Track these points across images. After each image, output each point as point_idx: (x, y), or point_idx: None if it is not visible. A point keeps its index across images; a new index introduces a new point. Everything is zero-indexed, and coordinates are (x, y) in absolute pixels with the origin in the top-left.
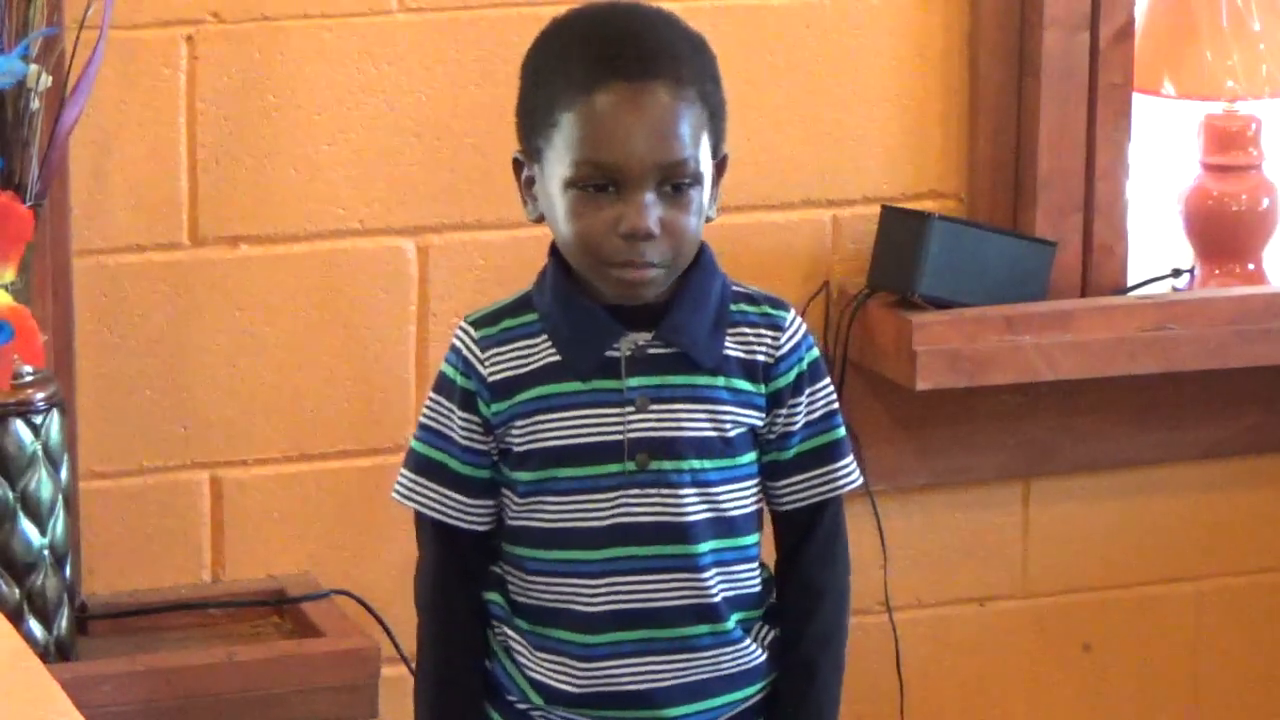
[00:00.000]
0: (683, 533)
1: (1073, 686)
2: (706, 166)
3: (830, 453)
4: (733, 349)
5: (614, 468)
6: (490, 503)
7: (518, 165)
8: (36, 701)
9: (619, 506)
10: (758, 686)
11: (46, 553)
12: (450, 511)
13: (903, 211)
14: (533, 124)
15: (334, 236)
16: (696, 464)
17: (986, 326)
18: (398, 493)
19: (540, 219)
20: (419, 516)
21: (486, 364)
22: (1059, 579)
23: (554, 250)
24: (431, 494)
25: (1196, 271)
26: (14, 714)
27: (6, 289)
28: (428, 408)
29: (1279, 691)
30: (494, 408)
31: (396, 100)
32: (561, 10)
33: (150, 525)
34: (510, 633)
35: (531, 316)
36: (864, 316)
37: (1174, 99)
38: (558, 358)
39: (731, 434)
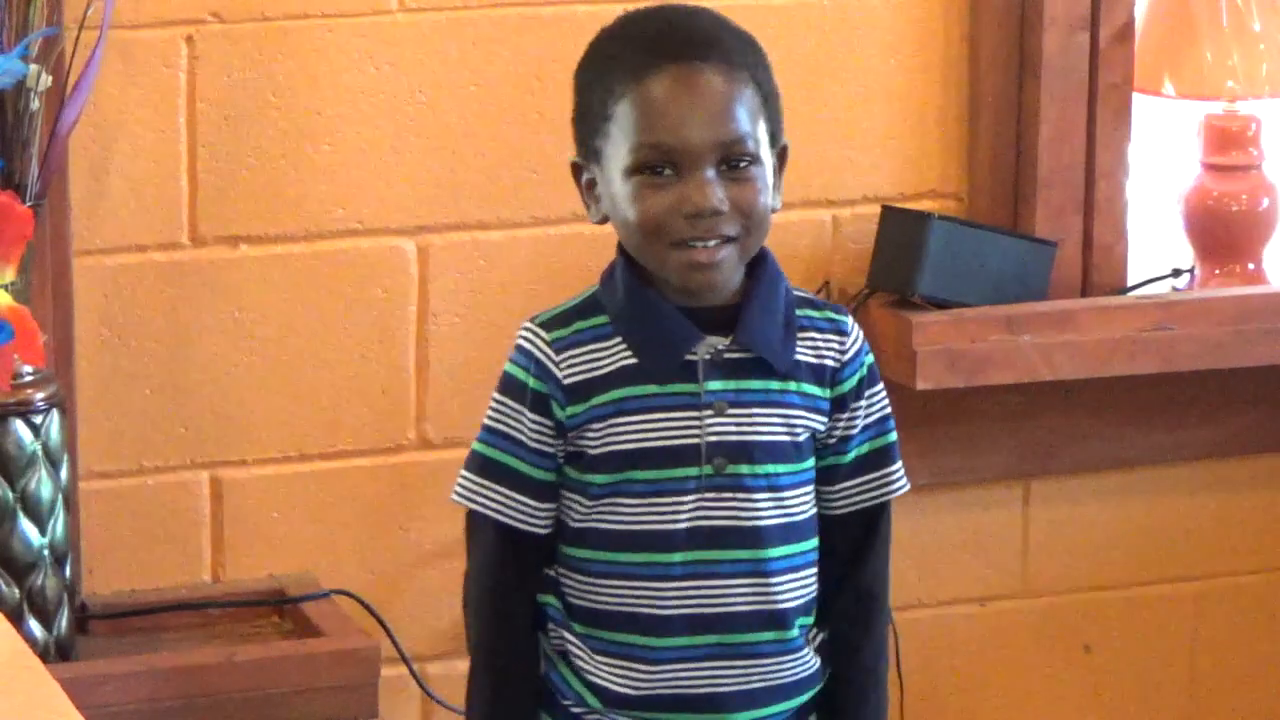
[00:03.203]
0: (757, 538)
1: (1073, 686)
2: (765, 151)
3: (885, 457)
4: (803, 354)
5: (691, 471)
6: (553, 505)
7: (576, 170)
8: (36, 701)
9: (696, 510)
10: (812, 692)
11: (46, 552)
12: (516, 514)
13: (903, 211)
14: (589, 125)
15: (334, 236)
16: (771, 469)
17: (986, 326)
18: (459, 495)
19: (604, 220)
20: (475, 519)
21: (562, 366)
22: (1059, 579)
23: (622, 250)
24: (497, 497)
25: (1196, 271)
26: (14, 714)
27: (6, 289)
28: (494, 410)
29: (1278, 691)
30: (569, 410)
31: (396, 100)
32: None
33: (150, 525)
34: (568, 636)
35: (603, 319)
36: (864, 316)
37: (1174, 99)
38: (633, 360)
39: (801, 439)
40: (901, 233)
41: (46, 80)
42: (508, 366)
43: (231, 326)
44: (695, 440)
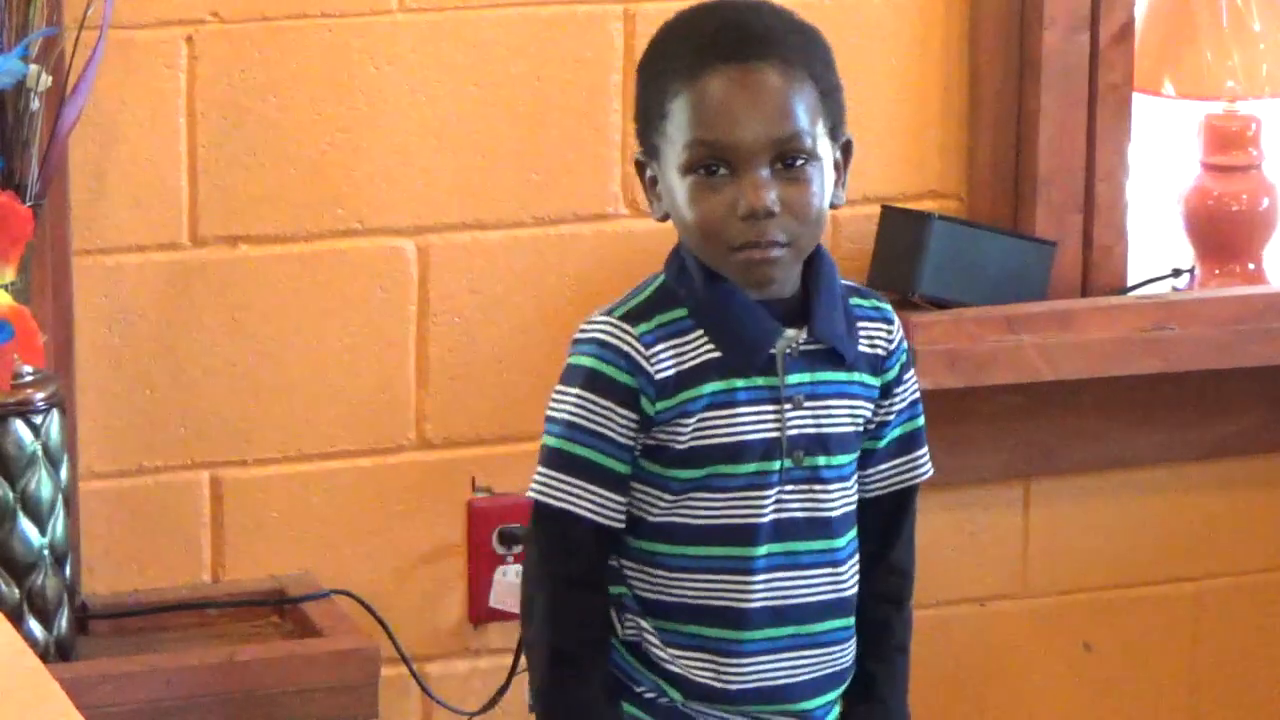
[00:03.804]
0: (830, 528)
1: (1073, 686)
2: (824, 148)
3: (916, 440)
4: (860, 345)
5: (774, 465)
6: (628, 499)
7: (640, 167)
8: (36, 701)
9: (778, 503)
10: (852, 676)
11: (46, 552)
12: (602, 509)
13: (903, 211)
14: (648, 122)
15: (334, 236)
16: (841, 459)
17: (986, 326)
18: (538, 492)
19: (665, 218)
20: (551, 517)
21: (653, 361)
22: (1059, 579)
23: None
24: (582, 492)
25: (1196, 271)
26: (14, 714)
27: (6, 289)
28: (576, 405)
29: (1278, 691)
30: (659, 405)
31: (396, 100)
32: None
33: (150, 525)
34: (645, 624)
35: (681, 311)
36: None
37: (1174, 99)
38: (717, 354)
39: (861, 428)
40: (901, 233)
41: (46, 80)
42: (587, 361)
43: (231, 326)
44: (777, 434)
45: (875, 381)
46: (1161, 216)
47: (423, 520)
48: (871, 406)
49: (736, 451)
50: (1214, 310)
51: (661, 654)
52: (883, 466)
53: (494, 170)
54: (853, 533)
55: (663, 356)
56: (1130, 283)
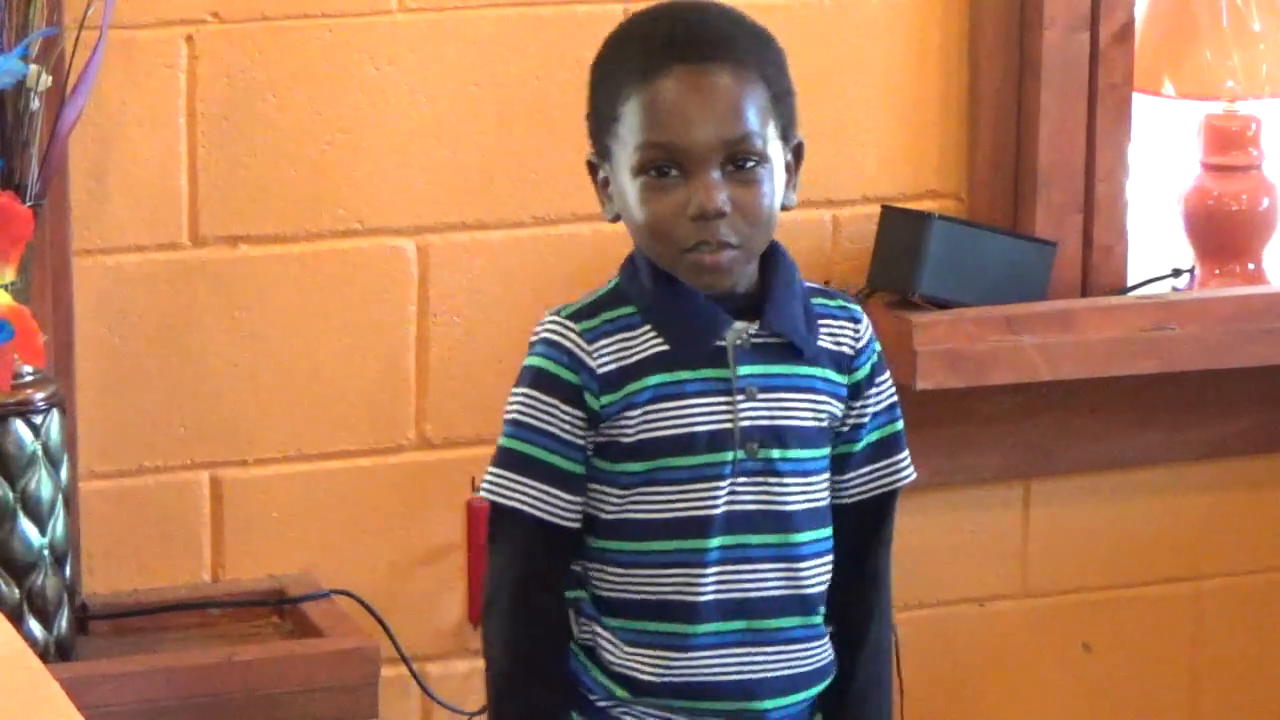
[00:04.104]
0: (787, 522)
1: (1073, 686)
2: (775, 150)
3: (894, 444)
4: (823, 340)
5: (726, 456)
6: (582, 500)
7: (592, 168)
8: (36, 701)
9: (730, 495)
10: (826, 682)
11: (46, 552)
12: (550, 508)
13: (903, 211)
14: (599, 123)
15: (334, 236)
16: (800, 453)
17: (986, 326)
18: (489, 491)
19: (616, 218)
20: (505, 517)
21: (595, 356)
22: (1059, 579)
23: None
24: (531, 491)
25: (1196, 271)
26: (14, 714)
27: (6, 289)
28: (523, 404)
29: (1278, 691)
30: (603, 400)
31: (396, 100)
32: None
33: (150, 525)
34: (599, 630)
35: (630, 309)
36: None
37: (1174, 99)
38: (664, 347)
39: (824, 424)
40: (901, 233)
41: (46, 80)
42: (534, 360)
43: (231, 326)
44: (729, 425)
45: (842, 379)
46: (1161, 216)
47: (423, 520)
48: (839, 405)
49: (683, 443)
50: (1214, 310)
51: (612, 656)
52: (861, 471)
53: (494, 170)
54: (819, 531)
55: (605, 351)
56: (1130, 283)
